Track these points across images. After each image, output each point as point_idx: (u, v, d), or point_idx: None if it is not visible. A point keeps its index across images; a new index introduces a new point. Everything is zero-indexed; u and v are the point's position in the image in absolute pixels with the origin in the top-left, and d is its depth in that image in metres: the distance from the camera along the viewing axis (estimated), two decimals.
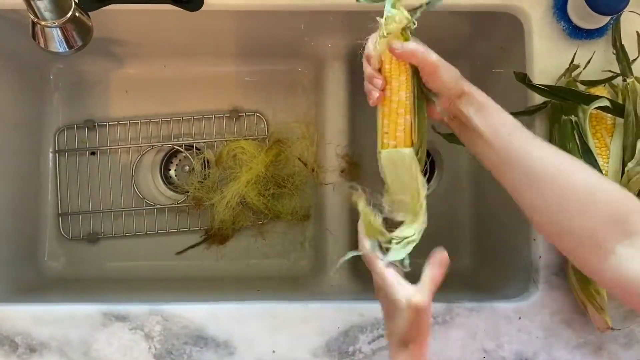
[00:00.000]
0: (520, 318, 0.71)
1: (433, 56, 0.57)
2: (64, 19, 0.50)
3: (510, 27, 0.77)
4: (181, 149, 0.95)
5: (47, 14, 0.49)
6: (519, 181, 0.56)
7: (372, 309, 0.70)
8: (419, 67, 0.58)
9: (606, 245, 0.50)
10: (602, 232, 0.50)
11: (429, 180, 0.97)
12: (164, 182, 0.96)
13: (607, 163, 0.69)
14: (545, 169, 0.54)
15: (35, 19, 0.50)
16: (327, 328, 0.70)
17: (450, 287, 0.88)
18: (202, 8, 0.75)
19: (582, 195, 0.52)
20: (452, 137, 0.73)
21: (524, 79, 0.72)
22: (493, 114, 0.58)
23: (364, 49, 0.62)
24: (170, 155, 0.97)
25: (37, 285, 0.87)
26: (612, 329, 0.68)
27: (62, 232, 0.93)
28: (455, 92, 0.58)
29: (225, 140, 0.93)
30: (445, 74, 0.58)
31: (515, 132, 0.57)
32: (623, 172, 0.68)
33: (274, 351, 0.69)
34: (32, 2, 0.48)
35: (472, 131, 0.58)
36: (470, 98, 0.58)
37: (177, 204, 0.94)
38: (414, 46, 0.57)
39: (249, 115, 0.95)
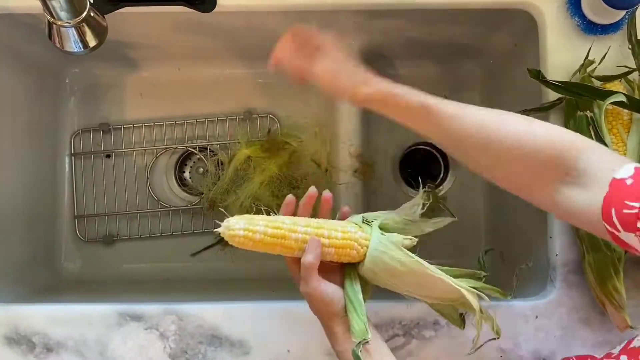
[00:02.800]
0: (537, 317, 0.70)
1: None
2: (79, 19, 0.51)
3: (523, 23, 0.76)
4: (195, 151, 0.96)
5: (62, 14, 0.50)
6: (453, 149, 0.58)
7: (387, 308, 0.70)
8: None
9: (551, 187, 0.52)
10: (544, 176, 0.52)
11: (443, 180, 0.97)
12: (179, 184, 0.96)
13: None
14: (467, 126, 0.55)
15: (52, 19, 0.51)
16: None
17: None
18: (215, 9, 0.76)
19: (514, 148, 0.53)
20: None
21: (538, 75, 0.72)
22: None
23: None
24: (185, 158, 0.97)
25: (54, 287, 0.88)
26: (631, 327, 0.67)
27: (78, 234, 0.93)
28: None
29: (239, 142, 0.93)
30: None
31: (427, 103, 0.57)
32: None
33: (288, 350, 0.69)
34: (48, 2, 0.48)
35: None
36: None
37: (192, 205, 0.95)
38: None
39: (262, 116, 0.96)
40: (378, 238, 0.60)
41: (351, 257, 0.60)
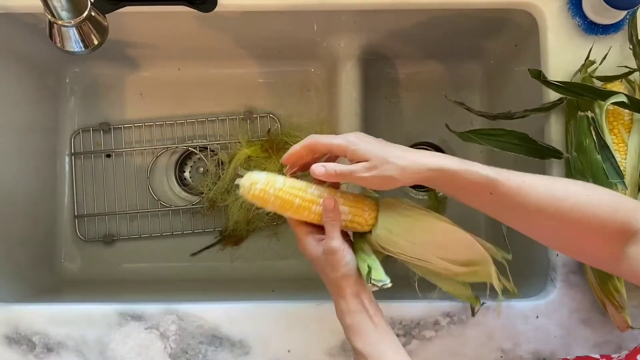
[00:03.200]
0: (537, 317, 0.70)
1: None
2: (80, 19, 0.50)
3: (524, 23, 0.76)
4: (195, 151, 0.96)
5: (63, 14, 0.50)
6: (517, 221, 0.58)
7: (388, 308, 0.69)
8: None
9: (618, 252, 0.54)
10: (611, 243, 0.54)
11: None
12: (179, 184, 0.96)
13: (625, 159, 0.68)
14: (536, 201, 0.55)
15: (52, 19, 0.50)
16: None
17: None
18: (216, 9, 0.75)
19: (580, 219, 0.54)
20: (466, 136, 0.73)
21: (538, 75, 0.72)
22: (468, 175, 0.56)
23: None
24: (185, 157, 0.97)
25: (54, 287, 0.88)
26: (632, 328, 0.67)
27: (79, 234, 0.93)
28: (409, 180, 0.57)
29: (239, 142, 0.93)
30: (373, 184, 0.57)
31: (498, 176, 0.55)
32: None
33: (289, 350, 0.69)
34: (49, 2, 0.48)
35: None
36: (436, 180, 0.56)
37: (192, 205, 0.95)
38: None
39: (263, 116, 0.96)
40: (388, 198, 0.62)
41: (364, 220, 0.61)
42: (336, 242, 0.58)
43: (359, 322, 0.58)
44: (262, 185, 0.58)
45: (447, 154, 0.96)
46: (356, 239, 0.63)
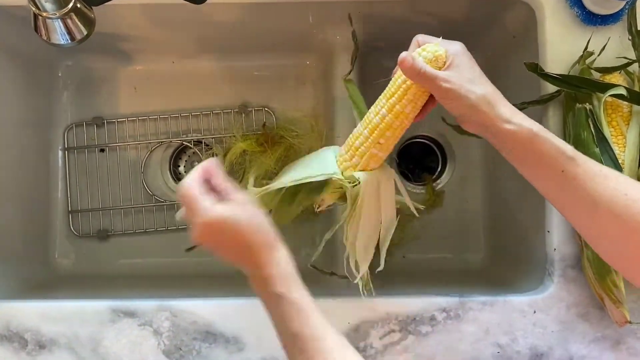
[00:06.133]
0: (535, 312, 0.69)
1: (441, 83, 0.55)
2: (65, 10, 0.49)
3: (522, 14, 0.75)
4: (190, 145, 0.95)
5: (47, 5, 0.49)
6: (579, 211, 0.53)
7: (383, 304, 0.69)
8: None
9: None
10: None
11: (441, 173, 0.96)
12: (173, 179, 0.95)
13: (624, 152, 0.67)
14: (608, 193, 0.50)
15: (37, 11, 0.50)
16: (338, 323, 0.69)
17: (464, 282, 0.87)
18: (208, 1, 0.74)
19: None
20: (462, 129, 0.72)
21: (536, 68, 0.71)
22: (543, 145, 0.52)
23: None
24: (179, 152, 0.96)
25: (48, 283, 0.87)
26: (630, 322, 0.66)
27: (72, 229, 0.93)
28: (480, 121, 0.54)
29: (234, 136, 0.92)
30: (455, 107, 0.55)
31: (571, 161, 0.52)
32: None
33: None
34: None
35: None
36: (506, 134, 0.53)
37: None
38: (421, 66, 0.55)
39: (258, 110, 0.95)
40: None
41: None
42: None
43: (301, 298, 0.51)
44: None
45: (444, 148, 0.96)
46: None
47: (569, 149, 0.52)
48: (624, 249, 0.51)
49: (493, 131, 0.54)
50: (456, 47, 0.57)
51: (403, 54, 0.56)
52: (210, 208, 0.52)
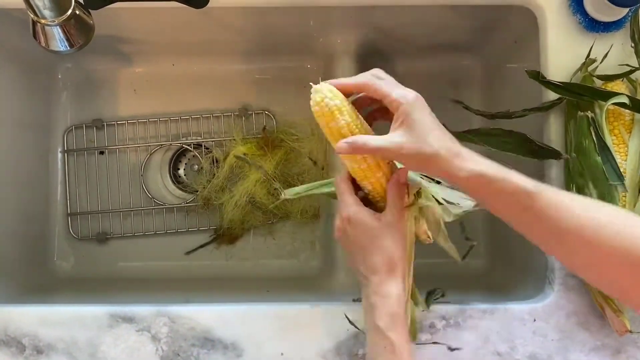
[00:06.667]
0: (535, 320, 0.69)
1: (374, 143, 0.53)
2: (64, 17, 0.49)
3: (524, 20, 0.75)
4: (190, 148, 0.95)
5: (46, 13, 0.48)
6: (550, 242, 0.53)
7: None
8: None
9: None
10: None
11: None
12: (173, 182, 0.95)
13: (625, 161, 0.67)
14: (574, 221, 0.50)
15: (35, 18, 0.49)
16: (337, 330, 0.68)
17: (463, 289, 0.87)
18: (209, 4, 0.74)
19: (620, 250, 0.48)
20: (463, 136, 0.72)
21: (537, 76, 0.70)
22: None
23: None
24: (179, 155, 0.96)
25: (47, 286, 0.87)
26: (630, 331, 0.66)
27: (72, 232, 0.92)
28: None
29: (234, 139, 0.92)
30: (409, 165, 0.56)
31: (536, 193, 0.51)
32: None
33: (282, 354, 0.68)
34: (31, 1, 0.47)
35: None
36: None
37: (186, 203, 0.94)
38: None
39: (258, 113, 0.94)
40: None
41: None
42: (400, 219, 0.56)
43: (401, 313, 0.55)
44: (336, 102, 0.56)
45: None
46: None
47: (530, 185, 0.51)
48: (600, 275, 0.51)
49: (451, 181, 0.54)
50: (408, 98, 0.54)
51: (340, 144, 0.54)
52: (353, 204, 0.57)
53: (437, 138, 0.52)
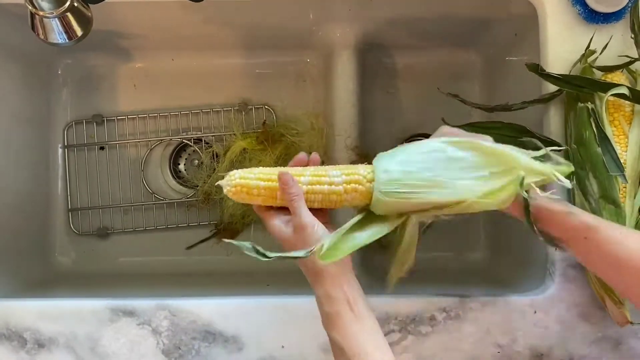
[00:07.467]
0: (535, 312, 0.69)
1: None
2: (62, 9, 0.49)
3: (523, 12, 0.74)
4: (190, 143, 0.95)
5: (44, 5, 0.48)
6: (607, 271, 0.56)
7: (383, 303, 0.69)
8: None
9: None
10: None
11: None
12: (173, 177, 0.95)
13: (626, 152, 0.67)
14: (629, 252, 0.53)
15: (34, 10, 0.49)
16: None
17: (464, 281, 0.87)
18: None
19: None
20: (467, 128, 0.72)
21: (536, 68, 0.70)
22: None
23: None
24: (179, 150, 0.96)
25: (48, 281, 0.87)
26: (631, 323, 0.66)
27: (72, 227, 0.93)
28: None
29: (234, 134, 0.92)
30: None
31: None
32: None
33: (283, 346, 0.68)
34: None
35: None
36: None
37: (187, 198, 0.94)
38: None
39: (258, 107, 0.94)
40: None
41: (362, 176, 0.58)
42: (305, 217, 0.55)
43: (338, 311, 0.54)
44: (240, 181, 0.58)
45: None
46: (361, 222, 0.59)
47: (589, 219, 0.55)
48: None
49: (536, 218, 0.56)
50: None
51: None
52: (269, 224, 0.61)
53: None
